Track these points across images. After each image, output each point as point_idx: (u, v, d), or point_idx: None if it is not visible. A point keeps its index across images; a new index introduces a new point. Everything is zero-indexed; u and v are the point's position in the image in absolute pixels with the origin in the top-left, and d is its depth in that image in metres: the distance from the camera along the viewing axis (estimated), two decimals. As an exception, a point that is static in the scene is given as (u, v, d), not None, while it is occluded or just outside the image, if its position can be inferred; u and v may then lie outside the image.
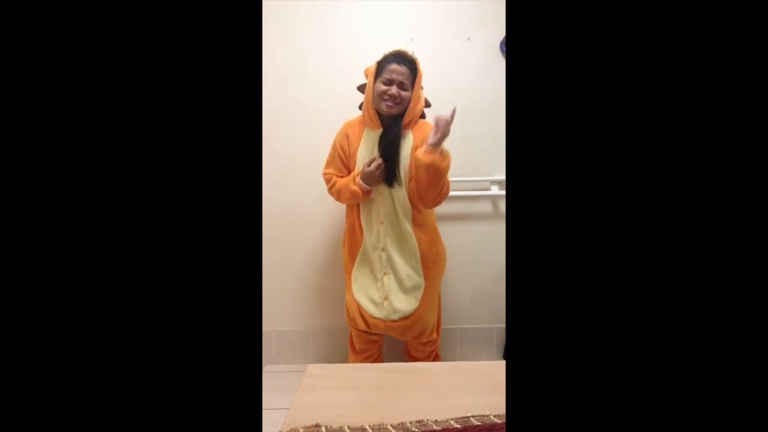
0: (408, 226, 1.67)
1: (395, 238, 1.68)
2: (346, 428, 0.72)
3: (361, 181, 1.64)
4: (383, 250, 1.68)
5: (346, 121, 1.80)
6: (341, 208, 2.08)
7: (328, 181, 1.75)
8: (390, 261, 1.68)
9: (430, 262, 1.72)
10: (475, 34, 2.03)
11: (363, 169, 1.63)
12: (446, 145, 1.55)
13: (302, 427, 0.73)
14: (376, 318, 1.69)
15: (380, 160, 1.60)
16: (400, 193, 1.64)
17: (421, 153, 1.55)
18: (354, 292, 1.73)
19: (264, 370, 2.12)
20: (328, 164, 1.78)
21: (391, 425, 0.73)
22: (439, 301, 1.84)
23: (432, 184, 1.57)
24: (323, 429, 0.72)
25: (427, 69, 2.06)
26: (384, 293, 1.69)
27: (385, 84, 1.61)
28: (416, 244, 1.68)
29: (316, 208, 2.11)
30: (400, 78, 1.60)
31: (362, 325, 1.71)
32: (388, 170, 1.61)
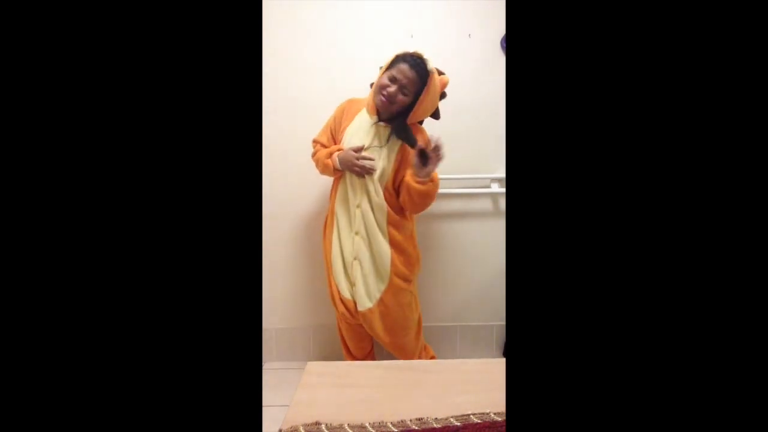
0: (382, 237, 1.63)
1: (369, 230, 1.65)
2: (346, 426, 0.72)
3: (336, 158, 1.62)
4: (356, 233, 1.66)
5: (352, 97, 1.79)
6: (341, 205, 2.06)
7: (314, 147, 1.75)
8: (360, 248, 1.65)
9: (404, 263, 1.67)
10: (475, 31, 2.03)
11: (348, 150, 1.60)
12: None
13: (302, 425, 0.73)
14: (347, 299, 1.68)
15: (370, 164, 1.57)
16: (377, 198, 1.61)
17: (414, 181, 1.55)
18: (333, 272, 1.72)
19: (264, 367, 2.13)
20: (321, 133, 1.76)
21: (391, 423, 0.73)
22: (417, 305, 1.80)
23: (424, 205, 1.62)
24: (323, 426, 0.72)
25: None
26: (353, 279, 1.68)
27: (388, 79, 1.54)
28: (389, 248, 1.64)
29: (316, 206, 2.10)
30: (404, 81, 1.52)
31: (342, 308, 1.70)
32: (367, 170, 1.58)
